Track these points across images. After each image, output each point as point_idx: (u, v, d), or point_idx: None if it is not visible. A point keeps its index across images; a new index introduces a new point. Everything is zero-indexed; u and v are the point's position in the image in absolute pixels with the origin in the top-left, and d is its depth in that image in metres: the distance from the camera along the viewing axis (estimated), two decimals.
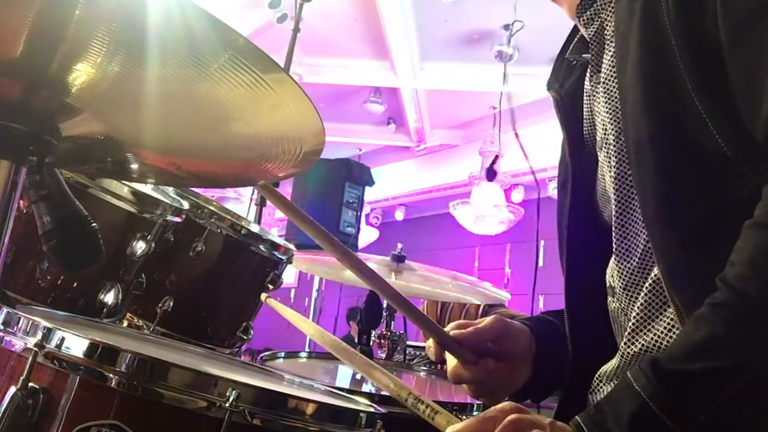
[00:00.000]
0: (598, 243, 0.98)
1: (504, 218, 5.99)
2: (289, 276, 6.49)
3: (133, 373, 0.78)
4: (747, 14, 0.70)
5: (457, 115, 6.68)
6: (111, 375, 0.78)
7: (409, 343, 2.83)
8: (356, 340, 2.35)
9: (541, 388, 1.06)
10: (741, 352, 0.65)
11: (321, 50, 5.43)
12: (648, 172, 0.79)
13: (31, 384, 0.78)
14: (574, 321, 1.02)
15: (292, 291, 7.33)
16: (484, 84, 5.64)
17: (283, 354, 1.88)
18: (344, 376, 1.88)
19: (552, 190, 6.01)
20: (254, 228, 1.68)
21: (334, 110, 6.33)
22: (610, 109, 0.90)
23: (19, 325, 0.84)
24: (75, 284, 1.37)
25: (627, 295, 0.89)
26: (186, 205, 1.54)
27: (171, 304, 1.54)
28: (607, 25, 0.94)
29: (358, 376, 1.81)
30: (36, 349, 0.78)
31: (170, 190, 1.58)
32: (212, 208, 1.61)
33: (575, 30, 1.07)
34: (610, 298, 0.96)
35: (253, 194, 3.13)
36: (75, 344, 0.79)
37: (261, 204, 2.89)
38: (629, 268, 0.88)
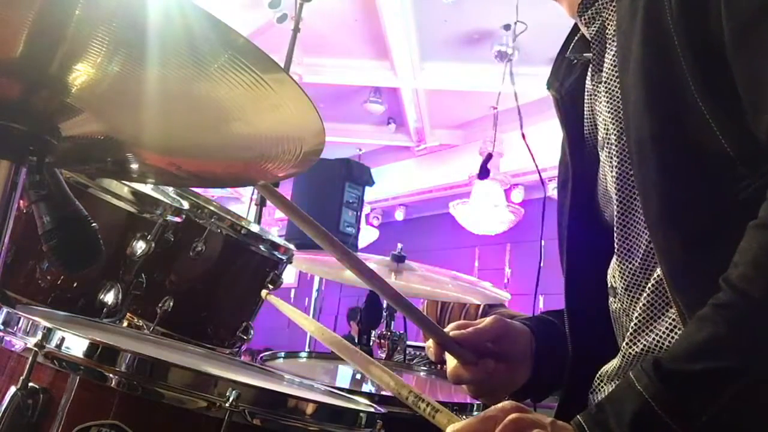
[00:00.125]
0: (599, 243, 0.98)
1: (504, 218, 5.99)
2: (289, 276, 6.49)
3: (133, 373, 0.78)
4: (751, 14, 0.70)
5: (457, 115, 6.68)
6: (111, 375, 0.78)
7: (409, 343, 2.83)
8: (356, 341, 2.36)
9: (541, 388, 1.06)
10: (744, 353, 0.65)
11: (321, 50, 5.43)
12: (650, 172, 0.79)
13: (31, 384, 0.78)
14: (574, 321, 1.02)
15: (292, 291, 7.33)
16: (484, 84, 5.63)
17: (283, 354, 1.88)
18: (344, 376, 1.88)
19: (552, 190, 6.00)
20: (254, 228, 1.68)
21: (334, 110, 6.33)
22: (611, 108, 0.90)
23: (19, 325, 0.84)
24: (75, 284, 1.37)
25: (628, 295, 0.89)
26: (186, 205, 1.54)
27: (171, 304, 1.54)
28: (608, 24, 0.94)
29: (358, 376, 1.81)
30: (36, 349, 0.78)
31: (170, 190, 1.58)
32: (212, 208, 1.61)
33: (575, 29, 1.06)
34: (611, 299, 0.96)
35: (253, 194, 3.13)
36: (75, 344, 0.79)
37: (261, 204, 2.89)
38: (631, 268, 0.88)
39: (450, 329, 0.99)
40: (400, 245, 2.17)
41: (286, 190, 5.15)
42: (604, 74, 0.93)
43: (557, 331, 1.04)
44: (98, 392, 0.78)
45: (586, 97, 1.02)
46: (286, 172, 0.86)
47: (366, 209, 6.66)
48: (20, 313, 0.87)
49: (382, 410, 1.01)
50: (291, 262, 1.77)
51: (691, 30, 0.75)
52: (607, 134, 0.92)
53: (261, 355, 1.78)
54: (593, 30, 0.96)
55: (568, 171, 1.04)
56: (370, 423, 0.92)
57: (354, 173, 4.96)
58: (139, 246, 1.39)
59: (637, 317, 0.86)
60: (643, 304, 0.85)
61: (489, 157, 4.99)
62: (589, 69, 0.99)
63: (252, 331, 1.72)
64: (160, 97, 0.72)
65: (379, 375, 0.91)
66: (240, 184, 1.46)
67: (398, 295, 1.00)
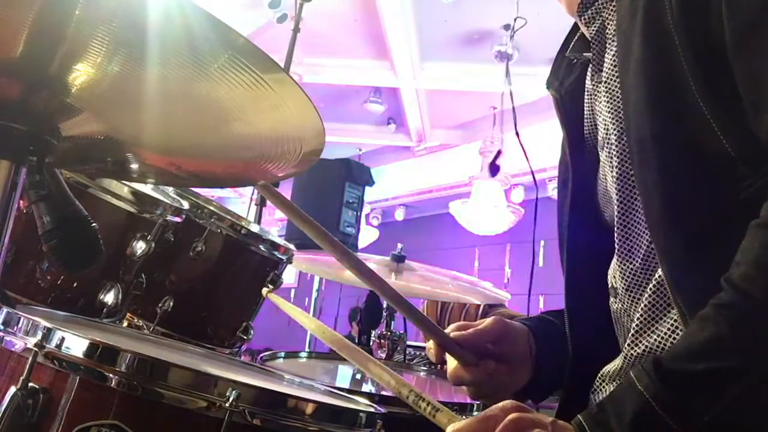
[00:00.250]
0: (599, 243, 0.97)
1: (504, 218, 5.98)
2: (289, 276, 6.49)
3: (133, 373, 0.78)
4: (753, 14, 0.70)
5: (457, 115, 6.68)
6: (111, 375, 0.78)
7: (409, 343, 2.83)
8: (356, 341, 2.36)
9: (541, 388, 1.06)
10: (745, 353, 0.65)
11: (321, 50, 5.42)
12: (651, 172, 0.79)
13: (31, 384, 0.78)
14: (574, 321, 1.02)
15: (292, 291, 7.32)
16: (484, 84, 5.63)
17: (283, 354, 1.88)
18: (344, 376, 1.88)
19: (552, 190, 6.01)
20: (254, 228, 1.68)
21: (334, 110, 6.32)
22: (612, 108, 0.90)
23: (19, 325, 0.84)
24: (75, 284, 1.37)
25: (630, 296, 0.88)
26: (186, 205, 1.54)
27: (171, 304, 1.54)
28: (608, 23, 0.94)
29: (358, 376, 1.81)
30: (36, 349, 0.78)
31: (170, 190, 1.58)
32: (212, 208, 1.61)
33: (575, 28, 1.06)
34: (612, 299, 0.96)
35: (253, 194, 3.13)
36: (75, 344, 0.79)
37: (261, 204, 2.89)
38: (632, 269, 0.87)
39: (450, 330, 0.99)
40: (400, 245, 2.17)
41: (286, 190, 5.15)
42: (604, 74, 0.93)
43: (557, 331, 1.04)
44: (98, 392, 0.78)
45: (586, 96, 1.02)
46: (286, 172, 0.86)
47: (366, 209, 6.65)
48: (20, 313, 0.87)
49: (382, 410, 1.01)
50: (291, 262, 1.77)
51: (691, 30, 0.75)
52: (607, 134, 0.92)
53: (261, 355, 1.78)
54: (593, 30, 0.96)
55: (568, 171, 1.04)
56: (370, 423, 0.92)
57: (354, 173, 4.95)
58: (139, 246, 1.39)
59: (638, 318, 0.85)
60: (645, 305, 0.84)
61: (498, 153, 4.99)
62: (589, 69, 0.99)
63: (252, 331, 1.72)
64: (160, 97, 0.72)
65: (379, 373, 0.91)
66: (240, 184, 1.46)
67: (398, 295, 1.00)
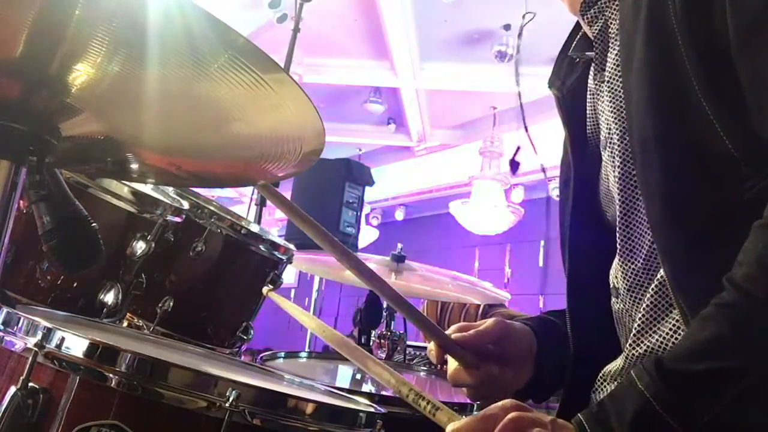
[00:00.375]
0: (601, 243, 0.97)
1: (504, 218, 5.98)
2: (289, 276, 6.49)
3: (133, 373, 0.78)
4: (757, 13, 0.69)
5: (457, 115, 6.67)
6: (111, 375, 0.78)
7: (409, 343, 2.83)
8: (357, 341, 2.36)
9: (542, 388, 1.06)
10: (746, 353, 0.65)
11: (321, 50, 5.42)
12: (653, 172, 0.79)
13: (31, 384, 0.78)
14: (575, 321, 1.02)
15: (292, 291, 7.33)
16: (484, 84, 5.63)
17: (283, 354, 1.88)
18: (344, 376, 1.88)
19: (552, 190, 6.02)
20: (254, 228, 1.68)
21: (334, 110, 6.32)
22: (614, 108, 0.89)
23: (19, 325, 0.84)
24: (75, 284, 1.37)
25: (631, 296, 0.88)
26: (186, 205, 1.54)
27: (171, 304, 1.54)
28: (611, 22, 0.94)
29: (358, 376, 1.81)
30: (36, 349, 0.78)
31: (170, 190, 1.58)
32: (212, 208, 1.61)
33: (577, 27, 1.06)
34: (614, 299, 0.95)
35: (253, 194, 3.13)
36: (75, 344, 0.79)
37: (261, 204, 2.89)
38: (634, 269, 0.87)
39: (451, 331, 0.99)
40: (400, 245, 2.17)
41: (286, 190, 5.15)
42: (606, 73, 0.93)
43: (559, 331, 1.04)
44: (98, 392, 0.78)
45: (588, 96, 1.01)
46: (286, 172, 0.86)
47: (366, 209, 6.66)
48: (20, 313, 0.87)
49: (382, 410, 1.01)
50: (291, 262, 1.77)
51: (695, 29, 0.75)
52: (609, 134, 0.92)
53: (261, 355, 1.78)
54: (596, 29, 0.95)
55: (570, 170, 1.03)
56: (369, 423, 0.92)
57: (354, 173, 4.95)
58: (139, 246, 1.39)
59: (640, 318, 0.85)
60: (647, 305, 0.84)
61: (518, 150, 4.95)
62: (592, 68, 0.99)
63: (252, 331, 1.72)
64: (160, 97, 0.72)
65: (379, 372, 0.91)
66: (240, 184, 1.47)
67: (398, 296, 1.00)
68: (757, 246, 0.67)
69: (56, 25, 0.63)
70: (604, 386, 0.93)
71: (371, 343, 2.36)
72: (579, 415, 0.71)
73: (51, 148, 0.75)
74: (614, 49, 0.92)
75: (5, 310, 0.89)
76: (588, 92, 1.01)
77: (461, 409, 1.49)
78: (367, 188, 5.07)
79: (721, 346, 0.66)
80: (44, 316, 0.89)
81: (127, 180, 1.33)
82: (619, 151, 0.87)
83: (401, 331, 2.47)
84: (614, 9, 0.93)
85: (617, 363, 0.91)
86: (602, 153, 0.97)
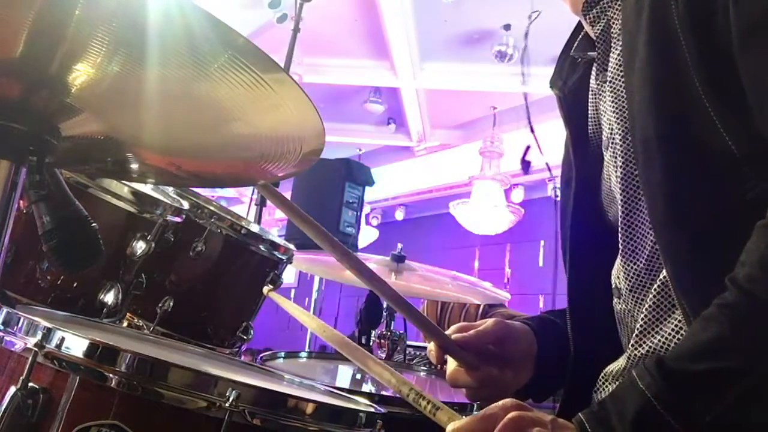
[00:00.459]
0: (602, 243, 0.97)
1: (504, 218, 5.98)
2: (289, 276, 6.49)
3: (133, 373, 0.78)
4: (761, 15, 0.69)
5: (457, 115, 6.67)
6: (111, 375, 0.78)
7: (409, 343, 2.83)
8: (357, 341, 2.36)
9: (542, 387, 1.06)
10: (748, 354, 0.64)
11: (321, 50, 5.42)
12: (655, 172, 0.78)
13: (31, 384, 0.78)
14: (576, 321, 1.01)
15: (292, 291, 7.33)
16: (484, 84, 5.63)
17: (283, 354, 1.88)
18: (344, 376, 1.88)
19: (551, 191, 6.01)
20: (254, 228, 1.68)
21: (334, 110, 6.32)
22: (616, 108, 0.89)
23: (19, 325, 0.84)
24: (75, 284, 1.37)
25: (633, 296, 0.88)
26: (186, 205, 1.54)
27: (171, 304, 1.54)
28: (613, 23, 0.93)
29: (358, 376, 1.81)
30: (36, 349, 0.78)
31: (170, 190, 1.58)
32: (212, 208, 1.61)
33: (579, 27, 1.06)
34: (615, 299, 0.95)
35: (253, 194, 3.13)
36: (75, 344, 0.79)
37: (261, 204, 2.89)
38: (636, 269, 0.87)
39: (451, 332, 0.99)
40: (400, 245, 2.17)
41: (286, 190, 5.15)
42: (608, 73, 0.93)
43: (559, 330, 1.03)
44: (98, 392, 0.78)
45: (590, 96, 1.01)
46: (286, 172, 0.86)
47: (366, 209, 6.66)
48: (20, 313, 0.87)
49: (382, 410, 1.01)
50: (291, 262, 1.77)
51: (697, 29, 0.74)
52: (611, 134, 0.91)
53: (261, 355, 1.78)
54: (598, 29, 0.95)
55: (572, 170, 1.03)
56: (369, 423, 0.92)
57: (354, 173, 4.95)
58: (139, 246, 1.39)
59: (642, 319, 0.85)
60: (649, 306, 0.84)
61: (527, 149, 4.94)
62: (594, 68, 0.99)
63: (252, 331, 1.72)
64: (160, 97, 0.72)
65: (379, 372, 0.91)
66: (240, 184, 1.47)
67: (398, 296, 0.99)
68: (759, 246, 0.67)
69: (56, 25, 0.63)
70: (606, 386, 0.93)
71: (371, 343, 2.36)
72: (580, 414, 0.71)
73: (51, 148, 0.75)
74: (616, 49, 0.91)
75: (5, 310, 0.89)
76: (590, 92, 1.01)
77: (461, 409, 1.49)
78: (367, 188, 5.08)
79: (722, 346, 0.66)
80: (44, 316, 0.89)
81: (127, 180, 1.33)
82: (622, 151, 0.87)
83: (401, 331, 2.47)
84: (616, 9, 0.93)
85: (619, 363, 0.91)
86: (604, 153, 0.97)
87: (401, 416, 1.30)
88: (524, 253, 6.47)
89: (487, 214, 5.93)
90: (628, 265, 0.88)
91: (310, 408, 0.85)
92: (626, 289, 0.89)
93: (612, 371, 0.92)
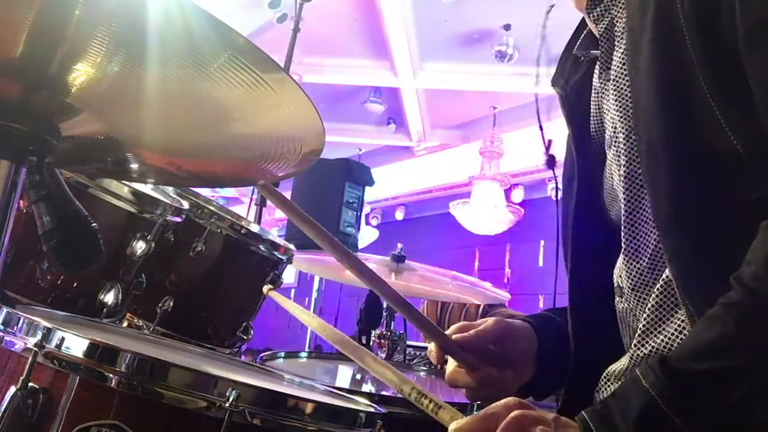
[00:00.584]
0: (604, 242, 0.97)
1: (504, 218, 5.98)
2: (289, 276, 6.49)
3: (133, 373, 0.78)
4: (767, 13, 0.69)
5: (457, 115, 6.68)
6: (111, 375, 0.78)
7: (409, 343, 2.83)
8: (357, 341, 2.35)
9: (543, 386, 1.06)
10: (753, 353, 0.64)
11: (321, 50, 5.42)
12: (660, 171, 0.78)
13: (31, 384, 0.78)
14: (577, 320, 1.01)
15: (292, 291, 7.33)
16: (484, 84, 5.64)
17: (283, 354, 1.88)
18: (344, 376, 1.88)
19: (551, 190, 6.01)
20: (254, 228, 1.68)
21: (334, 110, 6.32)
22: (620, 107, 0.89)
23: (19, 325, 0.84)
24: (75, 284, 1.37)
25: (636, 295, 0.88)
26: (186, 205, 1.54)
27: (171, 304, 1.54)
28: (617, 21, 0.93)
29: (358, 376, 1.81)
30: (36, 349, 0.78)
31: (170, 190, 1.58)
32: (212, 208, 1.61)
33: (581, 25, 1.05)
34: (618, 299, 0.95)
35: (253, 194, 3.13)
36: (75, 344, 0.79)
37: (261, 204, 2.89)
38: (639, 268, 0.87)
39: (451, 332, 0.99)
40: (400, 245, 2.17)
41: (286, 190, 5.15)
42: (612, 72, 0.92)
43: (560, 328, 1.03)
44: (98, 392, 0.78)
45: (593, 94, 1.01)
46: (286, 172, 0.86)
47: (366, 209, 6.65)
48: (20, 313, 0.87)
49: (382, 410, 1.01)
50: (291, 262, 1.77)
51: (703, 27, 0.74)
52: (614, 132, 0.91)
53: (261, 355, 1.78)
54: (602, 27, 0.95)
55: (574, 169, 1.03)
56: (369, 423, 0.92)
57: (354, 173, 4.95)
58: (139, 246, 1.39)
59: (645, 318, 0.85)
60: (652, 305, 0.84)
61: (550, 143, 4.94)
62: (597, 66, 0.98)
63: (252, 331, 1.72)
64: (160, 97, 0.72)
65: (381, 371, 0.90)
66: (240, 184, 1.47)
67: (399, 297, 0.99)
68: (765, 246, 0.67)
69: (56, 25, 0.63)
70: (608, 386, 0.93)
71: (371, 343, 2.36)
72: (583, 412, 0.70)
73: (51, 148, 0.75)
74: (620, 48, 0.91)
75: (5, 310, 0.89)
76: (593, 91, 1.01)
77: (461, 409, 1.49)
78: (367, 188, 5.07)
79: (727, 345, 0.65)
80: (44, 316, 0.89)
81: (127, 180, 1.33)
82: (625, 150, 0.87)
83: (401, 331, 2.47)
84: (620, 7, 0.92)
85: (622, 363, 0.91)
86: (607, 152, 0.96)
87: (401, 416, 1.30)
88: (524, 253, 6.47)
89: (487, 214, 5.94)
90: (631, 264, 0.88)
91: (310, 408, 0.84)
92: (629, 288, 0.89)
93: (614, 371, 0.92)
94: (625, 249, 0.89)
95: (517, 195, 6.43)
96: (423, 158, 7.42)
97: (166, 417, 0.79)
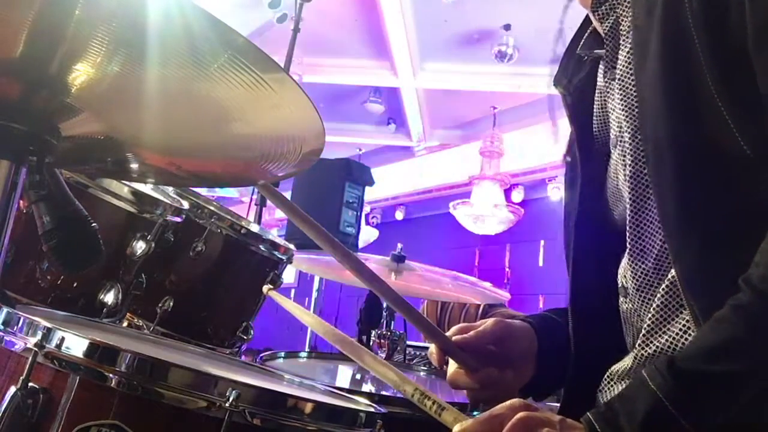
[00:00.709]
0: (606, 242, 0.96)
1: (504, 218, 5.98)
2: (289, 276, 6.49)
3: (133, 373, 0.78)
4: None
5: (457, 115, 6.68)
6: (111, 375, 0.78)
7: (409, 343, 2.83)
8: (357, 341, 2.35)
9: (543, 386, 1.05)
10: (762, 356, 0.64)
11: (321, 50, 5.42)
12: (666, 172, 0.78)
13: (31, 384, 0.78)
14: (578, 320, 1.01)
15: (292, 291, 7.32)
16: (484, 84, 5.64)
17: (283, 354, 1.88)
18: (344, 375, 1.88)
19: (551, 190, 6.02)
20: (254, 228, 1.68)
21: (334, 110, 6.33)
22: (626, 106, 0.88)
23: (19, 325, 0.84)
24: (75, 284, 1.37)
25: (641, 296, 0.87)
26: (186, 205, 1.54)
27: (171, 304, 1.54)
28: (622, 19, 0.92)
29: (358, 376, 1.81)
30: (36, 349, 0.78)
31: (170, 190, 1.58)
32: (212, 208, 1.61)
33: (584, 25, 1.05)
34: (622, 299, 0.94)
35: (253, 194, 3.14)
36: (75, 344, 0.79)
37: (261, 204, 2.89)
38: (644, 269, 0.86)
39: (451, 333, 0.98)
40: (400, 245, 2.17)
41: (286, 190, 5.15)
42: (617, 71, 0.92)
43: (560, 328, 1.03)
44: (98, 392, 0.78)
45: (596, 94, 1.00)
46: (286, 172, 0.86)
47: (366, 209, 6.65)
48: (20, 313, 0.87)
49: (382, 410, 1.01)
50: (291, 262, 1.77)
51: (710, 27, 0.73)
52: (620, 132, 0.90)
53: (261, 355, 1.78)
54: (607, 26, 0.94)
55: (576, 169, 1.03)
56: (369, 423, 0.92)
57: (354, 173, 4.95)
58: (139, 246, 1.39)
59: (650, 318, 0.84)
60: (657, 306, 0.83)
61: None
62: (601, 66, 0.98)
63: (252, 331, 1.72)
64: (160, 97, 0.72)
65: (383, 371, 0.90)
66: (240, 184, 1.47)
67: (399, 298, 0.99)
68: None
69: (56, 25, 0.63)
70: (611, 386, 0.92)
71: (371, 343, 2.36)
72: (588, 414, 0.70)
73: (51, 148, 0.75)
74: (626, 47, 0.90)
75: (5, 310, 0.89)
76: (596, 90, 1.00)
77: (461, 410, 1.49)
78: (367, 188, 5.07)
79: (736, 347, 0.65)
80: (44, 316, 0.89)
81: (127, 180, 1.33)
82: (631, 150, 0.86)
83: (401, 331, 2.47)
84: (626, 6, 0.92)
85: (625, 363, 0.90)
86: (612, 151, 0.96)
87: (401, 416, 1.30)
88: (524, 253, 6.47)
89: (487, 214, 5.93)
90: (636, 265, 0.87)
91: (310, 408, 0.84)
92: (633, 288, 0.88)
93: (617, 371, 0.92)
94: (630, 249, 0.88)
95: (517, 195, 6.43)
96: (423, 158, 7.42)
97: (166, 417, 0.79)
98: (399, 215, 8.02)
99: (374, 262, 2.11)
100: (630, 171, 0.86)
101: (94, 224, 0.88)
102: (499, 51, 4.90)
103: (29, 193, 0.79)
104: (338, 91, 6.11)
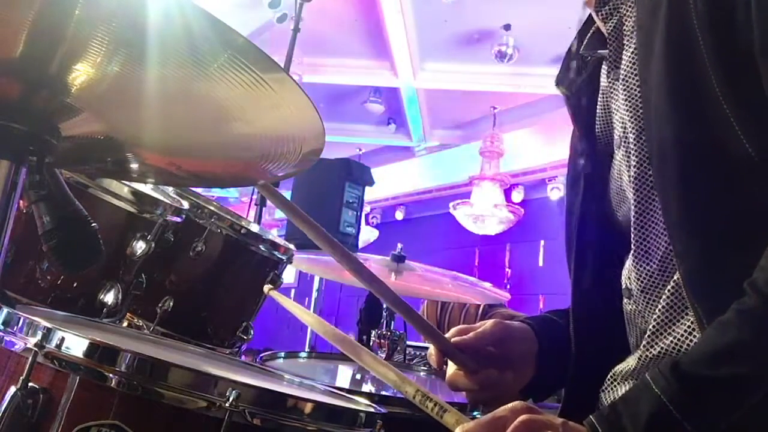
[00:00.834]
0: (609, 244, 0.96)
1: (504, 218, 5.98)
2: (289, 276, 6.49)
3: (133, 373, 0.78)
4: None
5: (457, 115, 6.68)
6: (111, 375, 0.78)
7: (409, 343, 2.82)
8: (357, 341, 2.35)
9: (543, 387, 1.05)
10: (767, 360, 0.64)
11: (321, 50, 5.42)
12: (671, 174, 0.77)
13: (31, 384, 0.78)
14: (579, 320, 1.00)
15: (292, 291, 7.32)
16: (484, 84, 5.64)
17: (283, 354, 1.88)
18: (344, 376, 1.88)
19: (551, 190, 6.02)
20: (254, 228, 1.68)
21: (334, 110, 6.32)
22: (630, 107, 0.88)
23: (19, 325, 0.84)
24: (75, 284, 1.37)
25: (645, 297, 0.87)
26: (186, 205, 1.54)
27: (171, 304, 1.54)
28: (626, 19, 0.92)
29: (358, 376, 1.81)
30: (36, 349, 0.78)
31: (170, 190, 1.58)
32: (212, 208, 1.61)
33: (587, 25, 1.04)
34: (625, 300, 0.94)
35: (253, 194, 3.14)
36: (75, 344, 0.79)
37: (261, 204, 2.89)
38: (649, 270, 0.85)
39: (451, 335, 0.98)
40: (400, 245, 2.17)
41: (286, 190, 5.15)
42: (621, 71, 0.91)
43: (561, 330, 1.03)
44: (98, 392, 0.78)
45: (600, 94, 1.00)
46: (286, 172, 0.86)
47: (366, 209, 6.65)
48: (20, 313, 0.87)
49: (382, 410, 1.01)
50: (291, 262, 1.77)
51: (716, 28, 0.73)
52: (624, 132, 0.90)
53: (261, 355, 1.78)
54: (610, 25, 0.94)
55: (579, 169, 1.02)
56: (369, 423, 0.92)
57: (354, 173, 4.94)
58: (139, 246, 1.39)
59: (655, 320, 0.84)
60: (662, 307, 0.83)
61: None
62: (605, 66, 0.98)
63: (252, 331, 1.72)
64: (160, 97, 0.72)
65: (383, 372, 0.90)
66: (240, 184, 1.47)
67: (399, 299, 0.99)
68: None
69: (56, 25, 0.63)
70: (615, 386, 0.92)
71: (371, 343, 2.36)
72: (591, 417, 0.70)
73: (51, 148, 0.75)
74: (630, 47, 0.90)
75: (5, 310, 0.89)
76: (600, 91, 1.00)
77: (461, 410, 1.49)
78: (367, 188, 5.07)
79: (740, 351, 0.65)
80: (44, 316, 0.89)
81: (127, 180, 1.33)
82: (635, 151, 0.86)
83: (401, 331, 2.47)
84: (629, 6, 0.91)
85: (629, 363, 0.90)
86: (615, 152, 0.95)
87: (401, 416, 1.30)
88: (524, 253, 6.46)
89: (487, 214, 5.93)
90: (641, 266, 0.87)
91: (309, 408, 0.84)
92: (638, 289, 0.88)
93: (621, 371, 0.91)
94: (634, 251, 0.87)
95: (517, 195, 6.43)
96: (423, 158, 7.41)
97: (166, 417, 0.79)
98: (399, 215, 8.02)
99: (374, 262, 2.11)
100: (635, 172, 0.86)
101: (94, 224, 0.88)
102: (499, 51, 4.90)
103: (29, 193, 0.79)
104: (338, 91, 6.11)
